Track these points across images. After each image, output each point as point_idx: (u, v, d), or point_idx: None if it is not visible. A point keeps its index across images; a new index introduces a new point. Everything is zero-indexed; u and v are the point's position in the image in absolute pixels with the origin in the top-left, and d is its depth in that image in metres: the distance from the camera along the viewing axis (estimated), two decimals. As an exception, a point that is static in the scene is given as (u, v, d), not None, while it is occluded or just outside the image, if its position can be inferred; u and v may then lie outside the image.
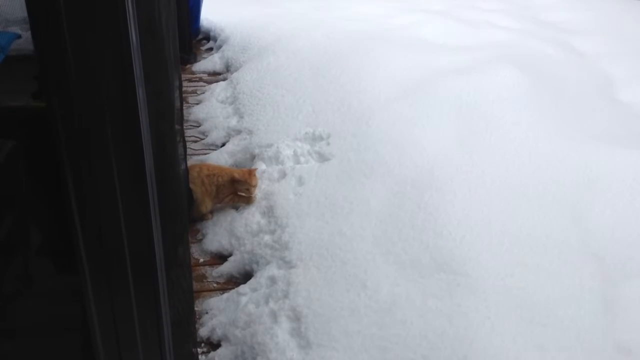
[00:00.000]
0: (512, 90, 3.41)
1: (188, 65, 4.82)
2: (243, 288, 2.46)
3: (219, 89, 4.21)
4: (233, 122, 3.73)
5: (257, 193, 2.96)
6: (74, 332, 1.64)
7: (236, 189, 2.88)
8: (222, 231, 2.80)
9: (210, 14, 5.38)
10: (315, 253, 2.48)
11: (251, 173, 2.89)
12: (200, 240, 2.83)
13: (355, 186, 2.80)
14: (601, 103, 3.55)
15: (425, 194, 2.66)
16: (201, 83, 4.54)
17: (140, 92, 1.15)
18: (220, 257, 2.73)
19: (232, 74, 4.38)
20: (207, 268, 2.67)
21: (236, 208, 2.96)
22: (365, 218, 2.61)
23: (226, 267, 2.64)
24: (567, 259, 2.37)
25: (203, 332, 2.31)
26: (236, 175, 2.87)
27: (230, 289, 2.51)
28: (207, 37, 5.40)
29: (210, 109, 3.97)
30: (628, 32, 4.96)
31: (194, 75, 4.69)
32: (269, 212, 2.81)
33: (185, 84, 4.47)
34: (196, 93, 4.35)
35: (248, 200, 2.91)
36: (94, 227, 1.25)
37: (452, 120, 3.19)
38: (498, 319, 2.14)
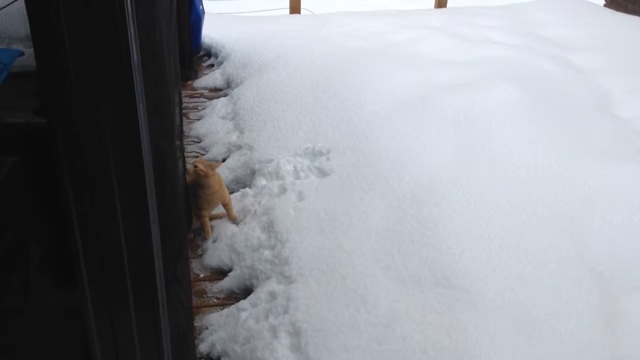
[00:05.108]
0: (511, 106, 3.43)
1: (189, 82, 4.85)
2: (243, 303, 2.46)
3: (219, 105, 4.23)
4: (234, 137, 3.75)
5: (256, 207, 2.97)
6: (74, 348, 1.64)
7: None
8: (222, 246, 2.81)
9: (212, 30, 5.42)
10: (315, 268, 2.49)
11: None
12: (201, 255, 2.83)
13: (355, 201, 2.81)
14: (599, 118, 3.56)
15: (425, 209, 2.67)
16: (202, 99, 4.56)
17: (141, 109, 1.16)
18: (220, 273, 2.73)
19: (232, 90, 4.40)
20: (207, 283, 2.67)
21: (236, 223, 2.97)
22: (365, 233, 2.62)
23: (226, 283, 2.65)
24: (566, 273, 2.37)
25: (203, 347, 2.31)
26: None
27: (230, 304, 2.51)
28: (208, 53, 5.43)
29: (211, 125, 3.98)
30: (626, 48, 4.99)
31: (195, 91, 4.71)
32: (269, 227, 2.81)
33: (186, 100, 4.50)
34: (197, 109, 4.37)
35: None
36: (94, 243, 1.26)
37: (451, 135, 3.21)
38: (497, 333, 2.14)
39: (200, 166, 2.80)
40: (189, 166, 2.92)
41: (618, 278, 2.36)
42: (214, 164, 2.94)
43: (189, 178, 2.88)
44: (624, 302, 2.26)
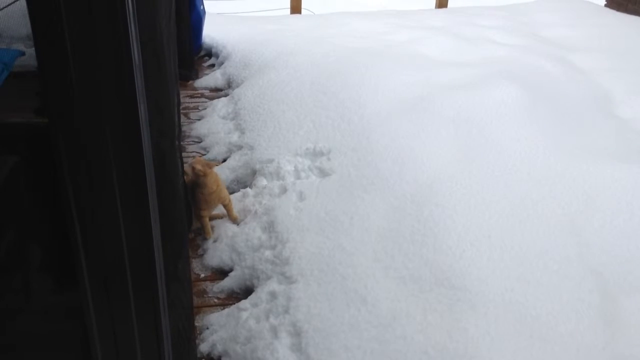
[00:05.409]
0: (511, 106, 3.43)
1: (190, 82, 4.85)
2: (244, 303, 2.46)
3: (220, 105, 4.24)
4: (234, 137, 3.75)
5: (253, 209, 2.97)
6: (74, 347, 1.64)
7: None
8: (223, 246, 2.81)
9: (212, 31, 5.43)
10: (315, 268, 2.49)
11: (209, 166, 2.89)
12: (201, 255, 2.84)
13: (356, 201, 2.81)
14: (600, 119, 3.56)
15: (425, 209, 2.67)
16: (203, 99, 4.56)
17: (142, 109, 1.17)
18: (221, 273, 2.74)
19: (233, 90, 4.40)
20: (208, 283, 2.67)
21: (237, 223, 2.97)
22: (365, 233, 2.62)
23: (227, 283, 2.65)
24: (566, 274, 2.37)
25: (204, 347, 2.31)
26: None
27: (231, 304, 2.52)
28: (209, 53, 5.44)
29: (211, 125, 3.99)
30: (627, 48, 4.98)
31: (196, 92, 4.72)
32: (270, 227, 2.82)
33: (187, 100, 4.50)
34: (198, 109, 4.37)
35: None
36: (94, 243, 1.26)
37: (452, 135, 3.21)
38: (498, 334, 2.14)
39: (198, 166, 2.80)
40: (186, 166, 2.92)
41: (618, 278, 2.36)
42: (211, 163, 2.94)
43: (187, 178, 2.88)
44: (625, 302, 2.26)
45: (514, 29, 5.68)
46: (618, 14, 6.40)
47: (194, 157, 3.67)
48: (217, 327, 2.39)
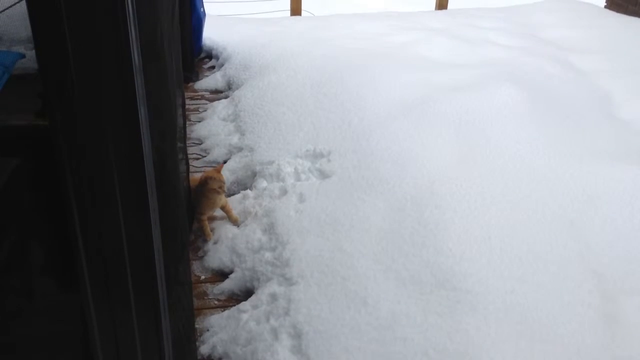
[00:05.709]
0: (512, 108, 3.43)
1: (190, 84, 4.86)
2: (244, 305, 2.46)
3: (220, 107, 4.24)
4: (234, 139, 3.75)
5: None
6: (75, 349, 1.64)
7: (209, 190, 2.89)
8: (223, 248, 2.81)
9: (213, 33, 5.43)
10: (316, 270, 2.49)
11: (218, 170, 2.95)
12: (202, 257, 2.84)
13: (356, 203, 2.81)
14: (600, 120, 3.56)
15: (425, 211, 2.67)
16: (203, 101, 4.57)
17: (142, 111, 1.17)
18: (221, 274, 2.74)
19: (233, 91, 4.41)
20: (208, 285, 2.67)
21: (237, 225, 2.97)
22: (365, 235, 2.62)
23: (227, 284, 2.65)
24: (567, 275, 2.37)
25: (204, 349, 2.31)
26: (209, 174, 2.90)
27: (231, 306, 2.52)
28: (210, 55, 5.44)
29: (212, 127, 3.99)
30: (627, 49, 4.98)
31: (196, 93, 4.72)
32: (270, 229, 2.82)
33: (187, 102, 4.50)
34: (198, 111, 4.38)
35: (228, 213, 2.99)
36: (95, 245, 1.26)
37: (452, 137, 3.21)
38: (498, 335, 2.14)
39: (214, 184, 2.82)
40: (197, 175, 2.94)
41: (619, 279, 2.36)
42: (219, 168, 2.97)
43: (193, 183, 2.90)
44: (625, 303, 2.26)
45: (514, 30, 5.68)
46: (618, 15, 6.40)
47: (197, 159, 3.68)
48: (218, 329, 2.39)
